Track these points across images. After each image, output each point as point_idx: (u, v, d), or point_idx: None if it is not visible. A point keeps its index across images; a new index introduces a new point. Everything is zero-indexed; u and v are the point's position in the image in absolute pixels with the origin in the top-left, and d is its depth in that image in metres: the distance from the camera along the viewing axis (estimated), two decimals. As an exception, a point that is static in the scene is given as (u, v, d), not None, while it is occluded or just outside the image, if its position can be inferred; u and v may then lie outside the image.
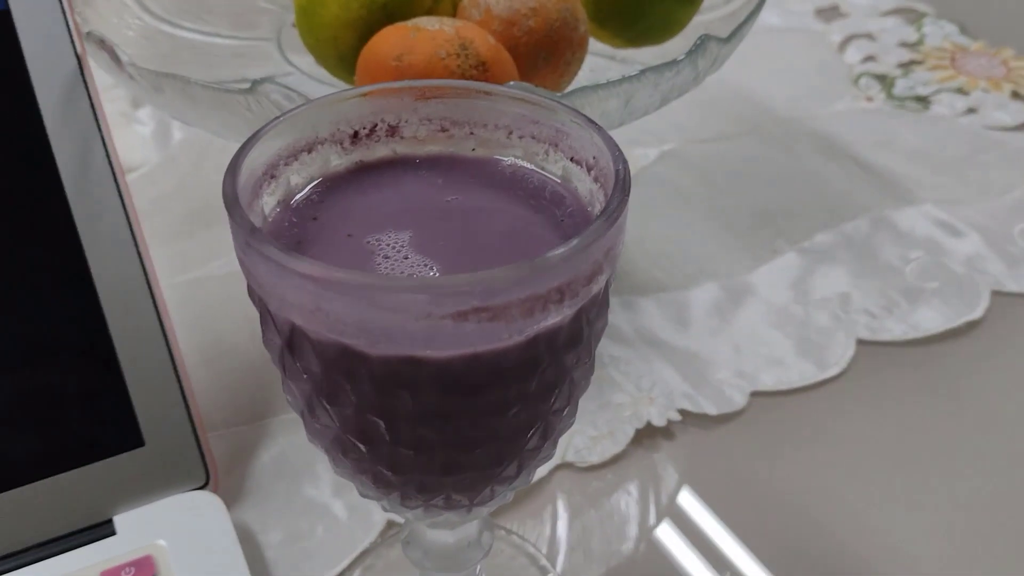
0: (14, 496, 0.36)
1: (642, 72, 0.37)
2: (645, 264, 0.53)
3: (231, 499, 0.40)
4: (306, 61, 0.46)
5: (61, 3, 0.37)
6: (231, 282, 0.51)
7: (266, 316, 0.24)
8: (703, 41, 0.38)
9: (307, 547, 0.38)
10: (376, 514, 0.39)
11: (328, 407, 0.25)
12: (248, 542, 0.39)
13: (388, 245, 0.26)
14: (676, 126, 0.64)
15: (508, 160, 0.29)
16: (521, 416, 0.25)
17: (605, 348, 0.47)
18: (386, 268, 0.25)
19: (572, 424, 0.28)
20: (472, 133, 0.29)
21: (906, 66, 0.70)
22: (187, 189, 0.57)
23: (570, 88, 0.43)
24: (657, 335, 0.48)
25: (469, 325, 0.22)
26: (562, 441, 0.42)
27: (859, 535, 0.39)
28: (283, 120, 0.26)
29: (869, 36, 0.74)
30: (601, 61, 0.49)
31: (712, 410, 0.44)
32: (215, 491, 0.39)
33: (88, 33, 0.38)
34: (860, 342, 0.48)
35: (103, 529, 0.37)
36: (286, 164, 0.27)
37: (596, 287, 0.24)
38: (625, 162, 0.25)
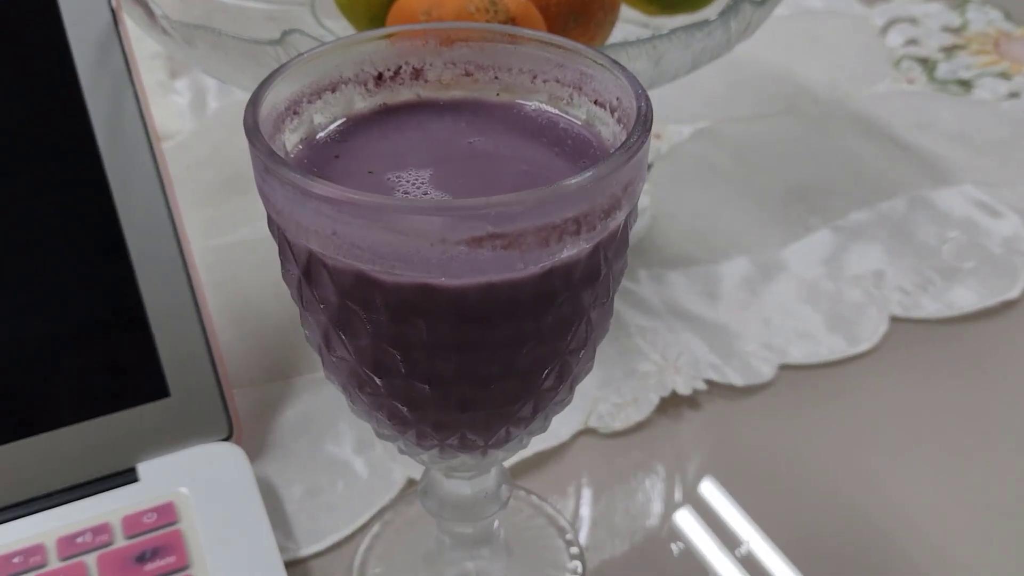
0: (42, 441, 0.37)
1: (672, 31, 0.37)
2: (676, 238, 0.52)
3: (254, 453, 0.40)
4: (339, 25, 0.46)
5: (97, -42, 0.38)
6: (260, 248, 0.51)
7: (284, 245, 0.25)
8: (736, 3, 0.37)
9: (328, 501, 0.39)
10: (396, 472, 0.40)
11: (344, 338, 0.25)
12: (269, 495, 0.39)
13: (408, 182, 0.26)
14: (711, 105, 0.63)
15: (532, 104, 0.29)
16: (536, 352, 0.25)
17: (632, 318, 0.47)
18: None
19: (590, 370, 0.28)
20: (496, 77, 0.29)
21: (949, 50, 0.69)
22: (220, 157, 0.58)
23: (601, 52, 0.42)
24: (686, 307, 0.48)
25: (484, 252, 0.22)
26: (585, 407, 0.42)
27: (884, 510, 0.38)
28: (307, 57, 0.27)
29: (912, 20, 0.73)
30: (634, 28, 0.48)
31: (739, 381, 0.43)
32: (238, 443, 0.39)
33: (123, -13, 0.38)
34: (893, 319, 0.47)
35: (127, 476, 0.38)
36: (309, 102, 0.27)
37: (614, 223, 0.24)
38: (648, 100, 0.25)
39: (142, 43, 0.42)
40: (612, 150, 0.27)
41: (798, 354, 0.45)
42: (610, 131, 0.27)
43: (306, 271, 0.24)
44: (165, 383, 0.38)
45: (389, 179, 0.26)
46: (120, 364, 0.38)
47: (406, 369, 0.25)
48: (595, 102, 0.27)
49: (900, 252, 0.51)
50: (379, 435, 0.28)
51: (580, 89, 0.28)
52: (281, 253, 0.25)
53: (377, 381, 0.25)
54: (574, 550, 0.36)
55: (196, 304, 0.39)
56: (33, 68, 0.37)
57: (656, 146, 0.59)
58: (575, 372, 0.27)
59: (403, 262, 0.22)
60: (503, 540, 0.36)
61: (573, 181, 0.22)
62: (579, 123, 0.28)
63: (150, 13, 0.37)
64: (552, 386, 0.26)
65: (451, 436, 0.27)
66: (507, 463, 0.39)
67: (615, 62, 0.26)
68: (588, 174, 0.22)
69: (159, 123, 0.61)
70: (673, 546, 0.37)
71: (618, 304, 0.47)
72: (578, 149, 0.28)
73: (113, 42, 0.38)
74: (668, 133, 0.60)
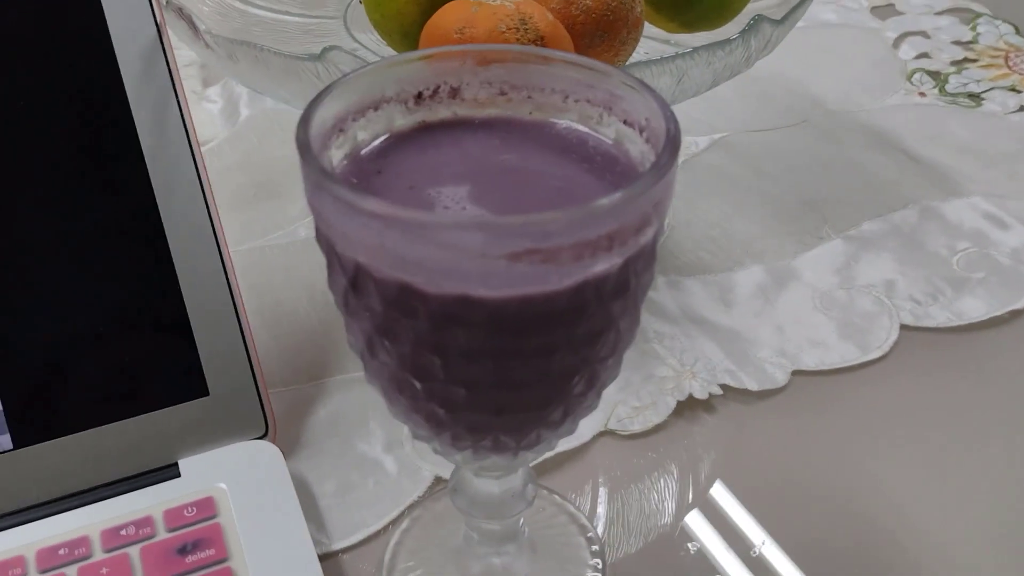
0: (89, 437, 0.39)
1: (695, 50, 0.38)
2: (692, 246, 0.54)
3: (288, 450, 0.42)
4: (371, 38, 0.48)
5: (144, -26, 0.40)
6: (292, 251, 0.53)
7: (332, 257, 0.26)
8: (756, 22, 0.39)
9: (359, 498, 0.40)
10: (424, 470, 0.41)
11: (387, 344, 0.26)
12: (303, 491, 0.41)
13: (448, 196, 0.27)
14: (728, 117, 0.65)
15: (564, 123, 0.30)
16: (568, 360, 0.26)
17: (650, 324, 0.48)
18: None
19: (616, 375, 0.30)
20: (530, 97, 0.30)
21: (959, 64, 0.70)
22: (252, 163, 0.59)
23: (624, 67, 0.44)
24: (701, 314, 0.49)
25: (521, 266, 0.23)
26: (606, 410, 0.44)
27: (893, 515, 0.40)
28: (352, 77, 0.28)
29: (924, 34, 0.74)
30: (656, 45, 0.50)
31: (753, 386, 0.45)
32: (274, 441, 0.41)
33: (168, 2, 0.40)
34: (904, 327, 0.48)
35: (169, 471, 0.39)
36: (354, 119, 0.29)
37: (644, 239, 0.25)
38: (676, 122, 0.26)
39: (176, 52, 0.43)
40: (640, 168, 0.29)
41: (811, 361, 0.46)
42: (638, 149, 0.29)
43: (353, 281, 0.26)
44: (205, 383, 0.40)
45: (429, 194, 0.27)
46: (163, 364, 0.40)
47: (444, 374, 0.26)
48: (624, 122, 0.29)
49: (911, 262, 0.52)
50: (416, 436, 0.30)
51: (610, 109, 0.29)
52: (329, 264, 0.27)
53: (417, 385, 0.27)
54: (595, 548, 0.38)
55: (235, 307, 0.41)
56: (82, 80, 0.39)
57: (673, 156, 0.61)
58: (603, 379, 0.28)
59: (445, 275, 0.24)
60: (527, 537, 0.37)
61: (608, 200, 0.23)
62: (608, 141, 0.30)
63: (194, 28, 0.39)
64: (582, 392, 0.28)
65: (485, 438, 0.28)
66: (531, 464, 0.41)
67: (644, 84, 0.28)
68: (622, 193, 0.24)
69: (197, 131, 0.63)
70: (688, 545, 0.39)
71: (637, 310, 0.49)
72: (606, 166, 0.29)
73: (158, 55, 0.40)
74: (685, 144, 0.62)
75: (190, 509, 0.38)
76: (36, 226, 0.38)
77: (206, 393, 0.40)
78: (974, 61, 0.70)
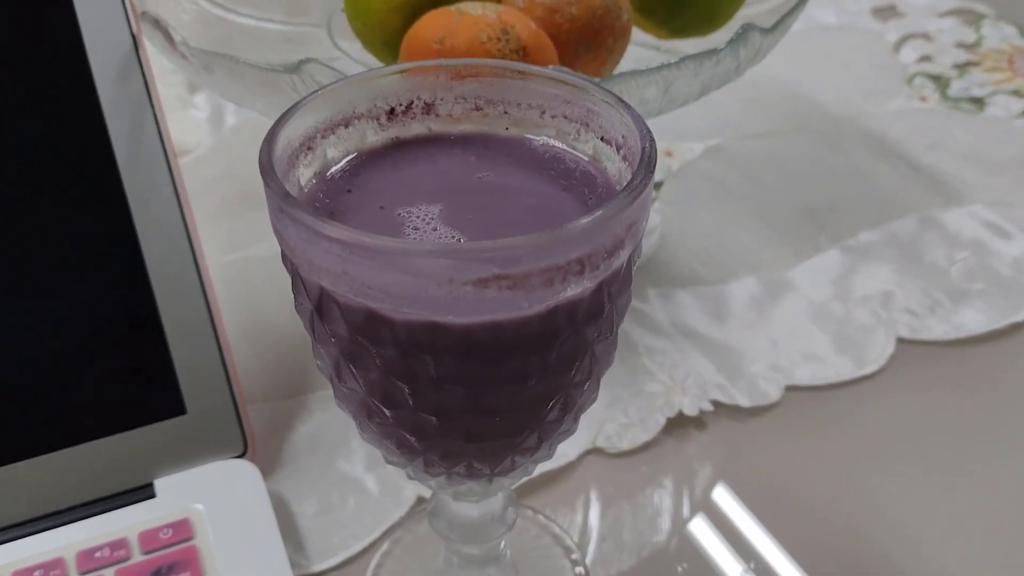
0: (63, 457, 0.38)
1: (682, 60, 0.37)
2: (685, 257, 0.53)
3: (267, 469, 0.41)
4: (354, 47, 0.47)
5: (119, -16, 0.39)
6: (275, 263, 0.51)
7: (297, 281, 0.25)
8: (745, 30, 0.38)
9: (339, 518, 0.39)
10: (407, 490, 0.40)
11: (354, 371, 0.25)
12: (282, 511, 0.40)
13: (418, 217, 0.26)
14: (724, 122, 0.63)
15: (540, 139, 0.29)
16: (541, 387, 0.25)
17: (640, 338, 0.47)
18: (415, 238, 0.25)
19: (594, 400, 0.29)
20: (506, 112, 0.30)
21: (962, 67, 0.69)
22: (237, 173, 0.58)
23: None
24: (694, 327, 0.48)
25: (490, 292, 0.23)
26: (593, 426, 0.43)
27: (890, 534, 0.39)
28: (321, 94, 0.27)
29: (926, 36, 0.73)
30: (646, 52, 0.49)
31: (745, 402, 0.44)
32: (252, 460, 0.40)
33: (143, 13, 0.39)
34: (900, 340, 0.47)
35: (144, 492, 0.38)
36: (323, 137, 0.28)
37: (617, 261, 0.24)
38: (652, 141, 0.25)
39: (162, 57, 0.43)
40: (617, 186, 0.28)
41: (805, 376, 0.45)
42: (615, 167, 0.28)
43: (318, 306, 0.25)
44: (182, 401, 0.39)
45: (400, 214, 0.26)
46: (138, 382, 0.39)
47: (414, 401, 0.25)
48: (601, 139, 0.28)
49: (909, 273, 0.51)
50: (388, 461, 0.29)
51: (587, 125, 0.28)
52: (294, 287, 0.26)
53: (386, 412, 0.26)
54: (579, 570, 0.37)
55: (213, 323, 0.40)
56: (55, 90, 0.38)
57: (667, 164, 0.60)
58: (579, 403, 0.27)
59: (412, 301, 0.23)
60: (510, 559, 0.36)
61: (576, 224, 0.22)
62: (586, 159, 0.29)
63: (170, 39, 0.38)
64: (557, 418, 0.27)
65: (458, 465, 0.27)
66: (514, 483, 0.40)
67: (621, 100, 0.27)
68: (591, 217, 0.23)
69: (177, 137, 0.61)
70: (678, 566, 0.38)
71: (626, 324, 0.48)
72: (585, 184, 0.28)
73: (133, 65, 0.39)
74: (680, 151, 0.61)
75: (166, 531, 0.37)
76: (7, 242, 0.37)
77: (183, 412, 0.39)
78: (977, 64, 0.69)
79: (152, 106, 0.39)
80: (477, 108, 0.30)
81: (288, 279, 0.27)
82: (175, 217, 0.39)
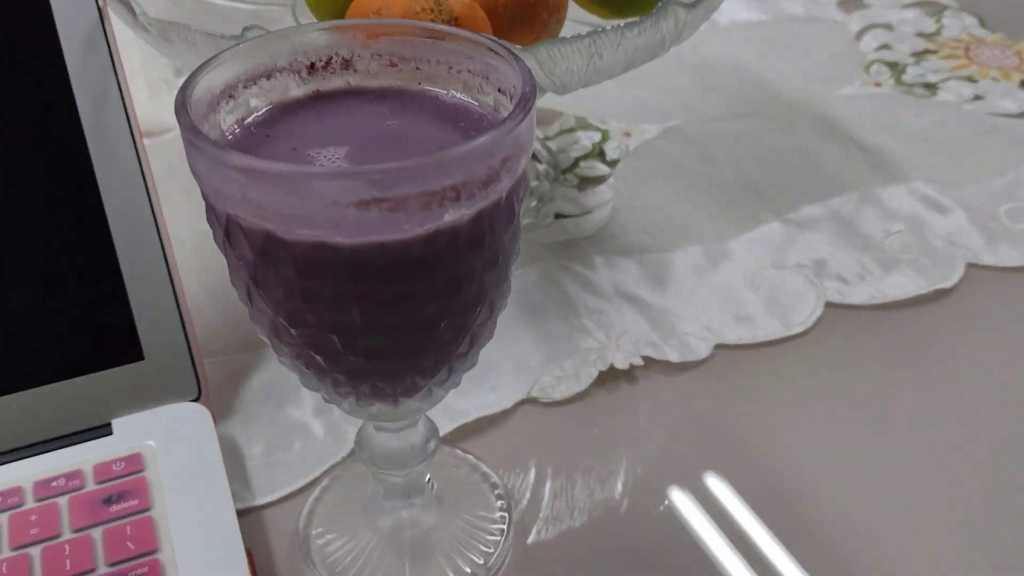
0: (28, 397, 0.41)
1: (603, 30, 0.40)
2: (633, 228, 0.55)
3: (221, 414, 0.44)
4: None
5: (85, -41, 0.42)
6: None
7: (209, 211, 0.28)
8: (665, 5, 0.41)
9: (284, 459, 0.42)
10: (350, 433, 0.43)
11: (262, 293, 0.28)
12: (232, 452, 0.43)
13: (325, 157, 0.29)
14: (683, 105, 0.66)
15: (448, 92, 0.32)
16: (430, 309, 0.28)
17: (583, 300, 0.50)
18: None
19: (491, 334, 0.31)
20: (418, 68, 0.32)
21: (919, 55, 0.71)
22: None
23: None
24: (635, 292, 0.51)
25: (371, 214, 0.25)
26: (530, 378, 0.45)
27: (805, 489, 0.41)
28: (242, 47, 0.30)
29: (887, 26, 0.75)
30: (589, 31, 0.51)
31: (675, 357, 0.46)
32: (206, 405, 0.43)
33: (108, -13, 0.42)
34: (829, 305, 0.50)
35: (103, 430, 0.41)
36: (244, 87, 0.31)
37: (495, 194, 0.27)
38: (533, 87, 0.28)
39: (148, 46, 0.46)
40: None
41: (734, 335, 0.48)
42: (511, 115, 0.30)
43: (226, 232, 0.27)
44: (140, 348, 0.42)
45: (309, 155, 0.29)
46: (100, 330, 0.42)
47: (315, 320, 0.28)
48: (499, 90, 0.31)
49: (844, 245, 0.53)
50: (305, 385, 0.32)
51: (487, 78, 0.31)
52: (208, 219, 0.29)
53: (292, 332, 0.29)
54: (502, 503, 0.39)
55: (171, 277, 0.43)
56: (26, 59, 0.41)
57: (625, 143, 0.62)
58: (473, 329, 0.30)
59: (302, 222, 0.26)
60: (435, 491, 0.39)
61: (449, 152, 0.25)
62: (488, 109, 0.31)
63: (131, 11, 0.41)
64: (450, 340, 0.29)
65: (362, 384, 0.30)
66: (451, 427, 0.43)
67: (512, 53, 0.30)
68: (464, 146, 0.25)
69: (162, 117, 0.65)
70: (599, 508, 0.40)
71: (571, 287, 0.51)
72: (484, 129, 0.31)
73: (99, 37, 0.42)
74: (638, 131, 0.63)
75: (119, 464, 0.40)
76: (-23, 195, 0.40)
77: (141, 358, 0.42)
78: (934, 52, 0.71)
79: (116, 73, 0.42)
80: (392, 64, 0.32)
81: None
82: (135, 175, 0.42)
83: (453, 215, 0.26)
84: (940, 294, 0.50)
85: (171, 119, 0.64)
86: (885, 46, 0.73)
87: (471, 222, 0.27)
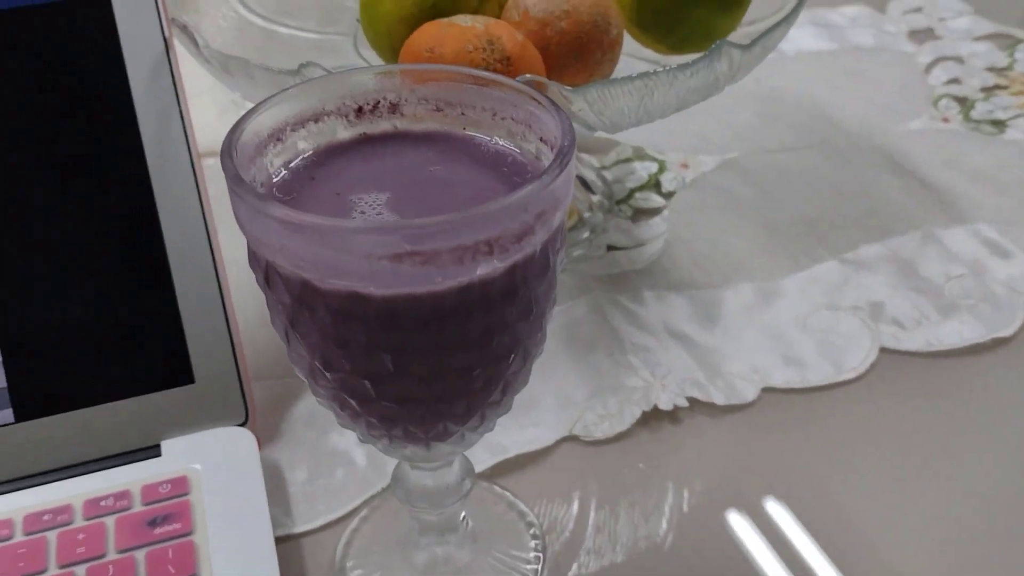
0: (83, 415, 0.42)
1: (656, 71, 0.40)
2: (685, 263, 0.55)
3: (266, 438, 0.45)
4: (374, 55, 0.50)
5: (153, -9, 0.43)
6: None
7: (251, 254, 0.29)
8: (719, 46, 0.40)
9: (326, 486, 0.43)
10: (390, 464, 0.43)
11: (299, 336, 0.29)
12: (275, 477, 0.43)
13: (367, 203, 0.29)
14: (742, 136, 0.65)
15: (492, 139, 0.32)
16: (462, 357, 0.28)
17: (629, 335, 0.50)
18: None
19: (526, 381, 0.31)
20: (463, 114, 0.33)
21: (989, 90, 0.69)
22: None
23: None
24: (683, 329, 0.50)
25: (404, 267, 0.26)
26: (572, 415, 0.45)
27: (852, 538, 0.40)
28: (291, 91, 0.31)
29: (958, 59, 0.73)
30: (645, 66, 0.51)
31: (721, 400, 0.46)
32: (252, 430, 0.44)
33: (173, 19, 0.43)
34: (883, 350, 0.48)
35: (152, 451, 0.42)
36: (293, 130, 0.31)
37: (529, 247, 0.27)
38: (572, 140, 0.28)
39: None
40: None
41: (782, 378, 0.47)
42: (552, 165, 0.31)
43: (266, 277, 0.28)
44: (191, 371, 0.43)
45: (351, 200, 0.30)
46: (153, 352, 0.43)
47: (349, 366, 0.28)
48: (541, 139, 0.31)
49: (902, 286, 0.52)
50: (340, 424, 0.32)
51: (530, 127, 0.31)
52: (249, 261, 0.29)
53: (327, 375, 0.29)
54: (536, 543, 0.39)
55: (224, 303, 0.44)
56: (91, 88, 0.43)
57: (682, 175, 0.62)
58: (505, 378, 0.30)
59: (337, 273, 0.26)
60: (470, 529, 0.39)
61: (483, 208, 0.25)
62: (530, 157, 0.32)
63: (195, 43, 0.42)
64: (483, 388, 0.30)
65: (395, 428, 0.30)
66: (490, 463, 0.43)
67: (554, 103, 0.30)
68: (498, 202, 0.25)
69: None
70: (638, 550, 0.40)
71: (619, 322, 0.50)
72: (527, 180, 0.31)
73: (164, 66, 0.44)
74: (695, 163, 0.63)
75: (165, 486, 0.41)
76: (43, 217, 0.42)
77: (192, 381, 0.43)
78: (1005, 88, 0.69)
79: (179, 103, 0.44)
80: (438, 109, 0.33)
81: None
82: (193, 200, 0.43)
83: (486, 268, 0.26)
84: (998, 342, 0.49)
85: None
86: (955, 80, 0.71)
87: (504, 275, 0.27)
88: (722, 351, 0.49)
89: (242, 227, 0.28)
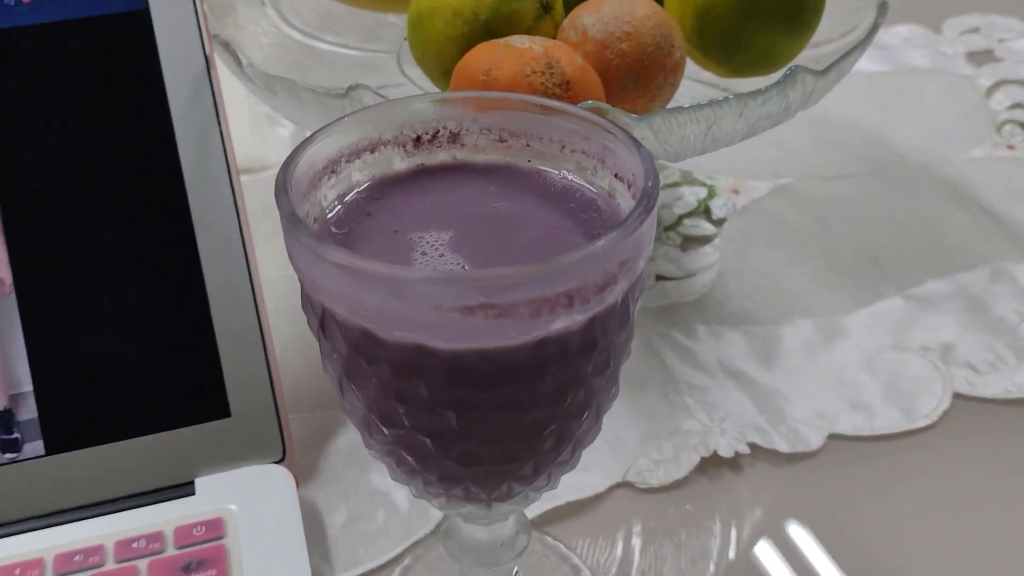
0: (115, 449, 0.40)
1: (725, 99, 0.37)
2: (739, 295, 0.52)
3: (304, 476, 0.43)
4: (419, 74, 0.48)
5: (195, 5, 0.41)
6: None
7: (304, 298, 0.26)
8: (793, 72, 0.38)
9: (367, 530, 0.40)
10: (434, 508, 0.41)
11: (354, 387, 0.26)
12: (313, 519, 0.41)
13: (428, 243, 0.27)
14: (796, 162, 0.63)
15: (560, 173, 0.30)
16: (533, 416, 0.26)
17: (684, 374, 0.47)
18: (421, 263, 0.26)
19: (596, 433, 0.29)
20: (528, 145, 0.30)
21: (1056, 115, 0.66)
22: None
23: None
24: (740, 368, 0.48)
25: (476, 320, 0.23)
26: (625, 460, 0.43)
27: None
28: (347, 120, 0.29)
29: (1021, 82, 0.70)
30: (704, 89, 0.49)
31: (784, 447, 0.43)
32: (289, 467, 0.41)
33: (215, 36, 0.41)
34: (957, 396, 0.46)
35: (185, 488, 0.40)
36: (348, 161, 0.29)
37: (610, 297, 0.25)
38: (656, 181, 0.26)
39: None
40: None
41: (850, 425, 0.44)
42: (627, 204, 0.28)
43: (321, 323, 0.26)
44: (228, 405, 0.41)
45: (411, 239, 0.27)
46: (188, 384, 0.41)
47: (409, 422, 0.26)
48: (616, 175, 0.29)
49: (974, 326, 0.49)
50: (393, 478, 0.30)
51: (603, 162, 0.29)
52: (303, 303, 0.27)
53: (384, 430, 0.27)
54: (592, 602, 0.37)
55: (262, 333, 0.42)
56: (132, 104, 0.41)
57: (733, 201, 0.59)
58: (577, 436, 0.28)
59: (401, 324, 0.24)
60: (522, 585, 0.37)
61: (565, 258, 0.23)
62: (602, 194, 0.29)
63: (238, 61, 0.40)
64: (552, 447, 0.27)
65: (455, 487, 0.28)
66: (540, 510, 0.40)
67: (633, 139, 0.27)
68: (580, 251, 0.23)
69: (261, 154, 0.65)
70: (694, 608, 0.37)
71: (671, 359, 0.48)
72: (599, 218, 0.29)
73: (204, 84, 0.42)
74: (747, 188, 0.60)
75: (199, 528, 0.38)
76: (77, 242, 0.40)
77: (228, 415, 0.41)
78: (1072, 114, 0.66)
79: (219, 124, 0.42)
80: (501, 140, 0.31)
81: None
82: (234, 230, 0.41)
83: (564, 322, 0.24)
84: (1081, 390, 0.46)
85: (271, 156, 0.64)
86: (1018, 104, 0.68)
87: (583, 328, 0.25)
88: (783, 393, 0.46)
89: (297, 269, 0.26)
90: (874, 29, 0.43)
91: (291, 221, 0.24)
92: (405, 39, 0.52)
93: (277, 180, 0.26)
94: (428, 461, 0.27)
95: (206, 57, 0.41)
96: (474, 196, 0.30)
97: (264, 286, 0.42)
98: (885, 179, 0.61)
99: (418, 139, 0.30)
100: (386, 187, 0.30)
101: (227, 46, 0.40)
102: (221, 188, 0.42)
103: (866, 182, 0.61)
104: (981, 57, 0.75)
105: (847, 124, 0.67)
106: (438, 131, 0.30)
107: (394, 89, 0.48)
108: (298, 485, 0.41)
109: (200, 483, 0.41)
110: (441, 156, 0.31)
